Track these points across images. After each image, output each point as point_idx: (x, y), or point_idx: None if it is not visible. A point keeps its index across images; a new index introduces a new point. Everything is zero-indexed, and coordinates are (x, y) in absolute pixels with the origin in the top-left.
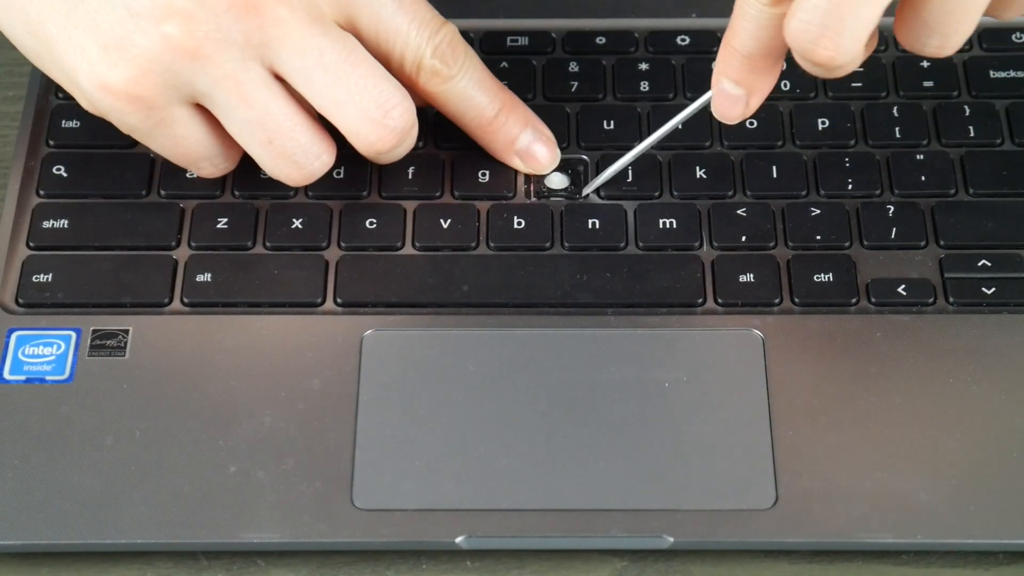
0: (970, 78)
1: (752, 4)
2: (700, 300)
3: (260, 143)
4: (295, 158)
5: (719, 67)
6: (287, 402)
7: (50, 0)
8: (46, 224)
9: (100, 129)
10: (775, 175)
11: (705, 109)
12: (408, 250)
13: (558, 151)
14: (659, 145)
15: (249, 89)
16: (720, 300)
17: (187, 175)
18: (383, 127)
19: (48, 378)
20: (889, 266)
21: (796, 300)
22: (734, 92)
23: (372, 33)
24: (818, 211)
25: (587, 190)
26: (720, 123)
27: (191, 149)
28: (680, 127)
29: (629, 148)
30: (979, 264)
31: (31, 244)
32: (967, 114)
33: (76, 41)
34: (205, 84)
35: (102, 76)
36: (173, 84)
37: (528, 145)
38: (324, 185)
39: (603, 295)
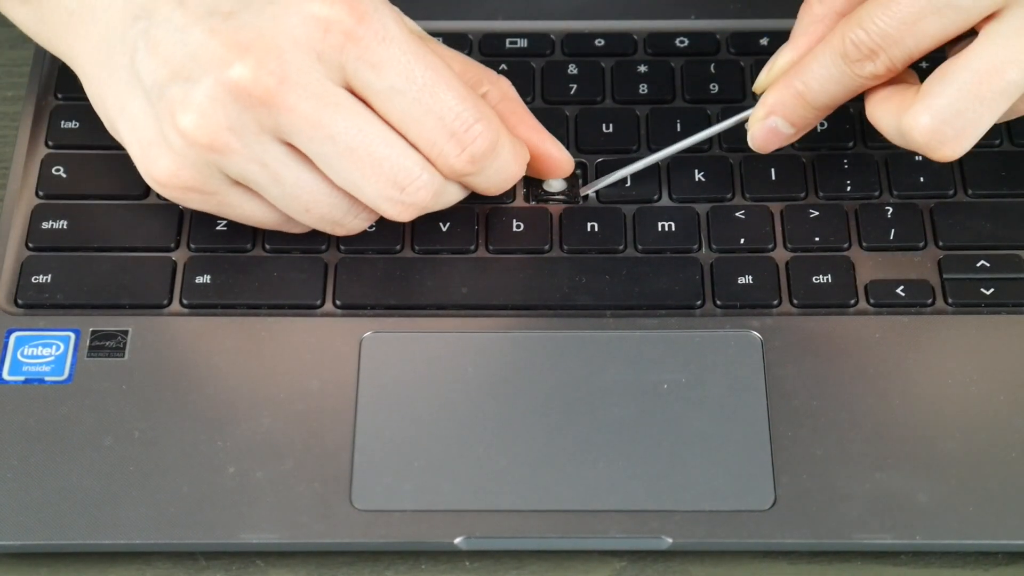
0: None
1: (841, 67)
2: (699, 302)
3: (298, 212)
4: (334, 219)
5: (775, 106)
6: (286, 403)
7: (105, 105)
8: (45, 225)
9: (100, 130)
10: (773, 177)
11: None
12: (407, 252)
13: (572, 161)
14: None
15: (275, 168)
16: (719, 302)
17: None
18: (401, 204)
19: (47, 379)
20: (888, 267)
21: (795, 302)
22: (785, 131)
23: (399, 125)
24: (816, 213)
25: (586, 190)
26: None
27: (263, 220)
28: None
29: (628, 151)
30: (978, 265)
31: (30, 245)
32: None
33: (125, 138)
34: (234, 170)
35: (149, 171)
36: (210, 173)
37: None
38: None
39: (602, 297)
